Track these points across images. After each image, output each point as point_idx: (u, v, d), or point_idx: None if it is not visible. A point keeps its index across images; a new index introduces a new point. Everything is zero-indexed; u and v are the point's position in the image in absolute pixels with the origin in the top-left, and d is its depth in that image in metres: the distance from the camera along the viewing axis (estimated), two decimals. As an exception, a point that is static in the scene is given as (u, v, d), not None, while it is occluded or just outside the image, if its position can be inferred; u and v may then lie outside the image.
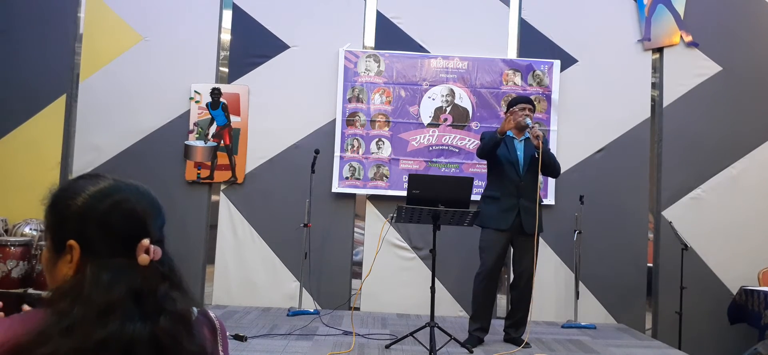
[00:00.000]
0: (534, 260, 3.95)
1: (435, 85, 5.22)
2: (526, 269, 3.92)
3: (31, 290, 4.23)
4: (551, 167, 3.95)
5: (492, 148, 3.84)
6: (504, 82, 5.24)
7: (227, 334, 1.12)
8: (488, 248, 3.87)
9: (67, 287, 0.92)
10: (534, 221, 3.86)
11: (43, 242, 4.60)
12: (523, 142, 3.99)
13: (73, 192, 0.98)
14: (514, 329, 4.01)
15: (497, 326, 4.23)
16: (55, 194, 1.00)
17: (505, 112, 4.11)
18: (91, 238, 0.94)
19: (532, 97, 5.18)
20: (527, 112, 3.93)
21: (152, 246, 0.94)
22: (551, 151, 4.09)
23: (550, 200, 5.12)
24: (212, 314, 1.08)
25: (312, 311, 4.71)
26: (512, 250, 4.04)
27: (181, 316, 0.93)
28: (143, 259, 0.92)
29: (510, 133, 3.97)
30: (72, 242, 0.95)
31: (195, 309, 1.01)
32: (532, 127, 3.84)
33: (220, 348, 1.05)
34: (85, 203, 0.96)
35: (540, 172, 3.90)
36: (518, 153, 3.94)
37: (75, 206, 0.96)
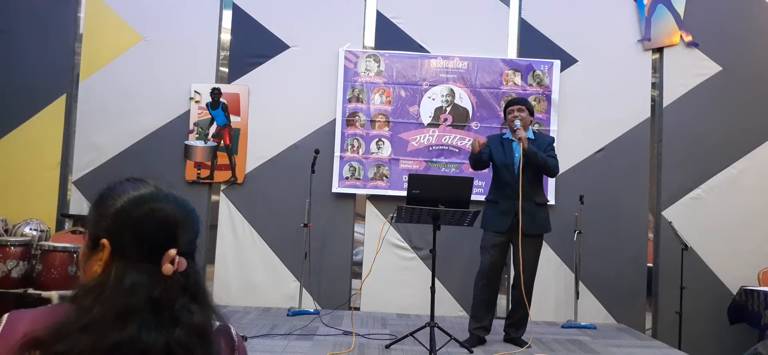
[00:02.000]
0: (536, 261, 3.96)
1: (435, 85, 5.22)
2: (527, 269, 3.89)
3: (31, 290, 4.23)
4: (543, 169, 3.91)
5: (474, 163, 3.95)
6: (504, 82, 5.24)
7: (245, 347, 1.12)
8: (486, 249, 3.90)
9: (92, 284, 0.94)
10: (534, 222, 3.86)
11: (43, 243, 4.61)
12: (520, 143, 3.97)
13: (115, 193, 1.01)
14: (514, 329, 4.01)
15: (497, 326, 4.23)
16: (101, 192, 1.03)
17: (504, 116, 4.12)
18: (123, 240, 0.97)
19: (532, 97, 5.19)
20: (516, 113, 3.92)
21: (177, 257, 0.95)
22: (549, 151, 3.99)
23: (550, 199, 5.11)
24: (234, 332, 1.09)
25: (312, 311, 4.71)
26: (512, 250, 4.02)
27: (198, 329, 0.94)
28: (167, 269, 0.94)
29: (508, 135, 3.98)
30: (104, 240, 0.97)
31: (217, 323, 1.03)
32: (517, 129, 3.84)
33: None
34: (123, 206, 0.99)
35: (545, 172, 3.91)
36: (515, 155, 3.90)
37: (114, 207, 0.99)
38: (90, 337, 0.87)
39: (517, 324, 4.01)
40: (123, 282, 0.92)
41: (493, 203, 3.95)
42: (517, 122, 3.89)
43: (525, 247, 3.85)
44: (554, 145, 4.08)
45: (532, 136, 3.99)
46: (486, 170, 4.23)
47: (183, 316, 0.93)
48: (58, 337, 0.86)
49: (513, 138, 3.96)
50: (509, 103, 4.07)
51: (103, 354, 0.86)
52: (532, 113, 4.04)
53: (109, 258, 0.97)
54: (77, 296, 0.93)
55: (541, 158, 3.85)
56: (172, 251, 0.95)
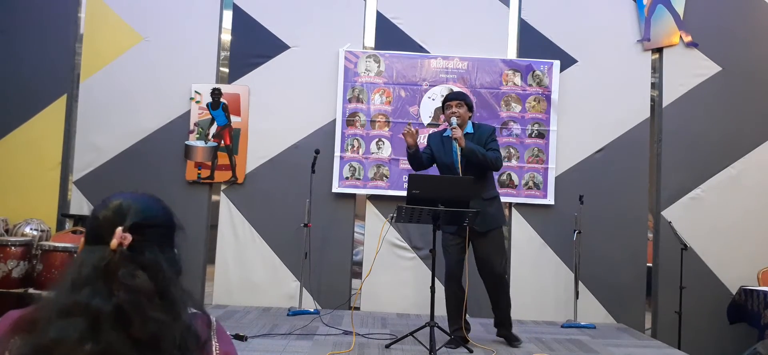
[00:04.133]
0: (498, 256, 3.82)
1: (435, 86, 5.23)
2: (489, 269, 3.82)
3: (31, 290, 4.24)
4: (484, 165, 3.77)
5: (412, 161, 3.85)
6: (504, 83, 5.24)
7: (227, 333, 1.22)
8: (445, 249, 3.85)
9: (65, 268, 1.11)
10: (485, 220, 3.75)
11: (43, 243, 4.61)
12: (446, 138, 3.87)
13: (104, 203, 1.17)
14: (502, 327, 3.95)
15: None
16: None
17: (442, 110, 4.02)
18: (90, 230, 1.12)
19: (532, 97, 5.20)
20: (454, 109, 3.82)
21: (121, 232, 1.06)
22: (490, 144, 3.83)
23: (549, 199, 5.12)
24: (212, 318, 1.20)
25: (312, 310, 4.71)
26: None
27: (142, 289, 1.02)
28: (112, 243, 1.05)
29: (449, 133, 3.83)
30: (82, 237, 1.15)
31: (191, 309, 1.12)
32: (454, 128, 3.72)
33: (215, 338, 1.17)
34: (96, 206, 1.16)
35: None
36: (454, 154, 3.75)
37: (93, 212, 1.16)
38: (52, 302, 1.01)
39: (501, 323, 3.95)
40: (78, 257, 1.08)
41: None
42: (454, 120, 3.76)
43: (481, 244, 3.80)
44: (495, 135, 3.92)
45: (470, 129, 3.88)
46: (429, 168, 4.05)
47: (125, 279, 1.02)
48: (38, 310, 1.02)
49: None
50: (447, 98, 3.92)
51: (62, 316, 0.98)
52: (471, 108, 3.93)
53: (81, 248, 1.13)
54: (56, 278, 1.07)
55: (480, 155, 3.71)
56: (119, 229, 1.06)
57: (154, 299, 1.03)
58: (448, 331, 3.83)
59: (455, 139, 3.70)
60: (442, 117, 5.15)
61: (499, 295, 3.90)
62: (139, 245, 1.07)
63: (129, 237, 1.06)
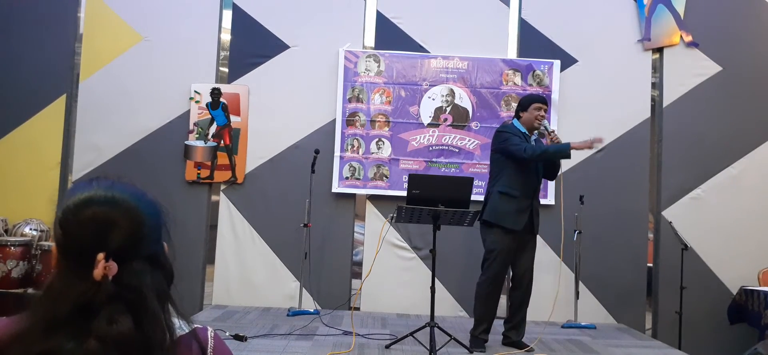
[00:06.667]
0: (534, 260, 3.91)
1: (435, 85, 5.22)
2: (529, 269, 3.85)
3: (31, 290, 4.23)
4: (556, 173, 3.96)
5: (552, 159, 3.83)
6: (504, 82, 5.24)
7: (227, 347, 1.06)
8: (499, 251, 3.71)
9: (40, 291, 0.92)
10: (539, 222, 3.87)
11: (43, 243, 4.60)
12: (534, 142, 3.86)
13: (66, 197, 0.97)
14: (514, 331, 3.89)
15: (498, 326, 4.22)
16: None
17: (519, 110, 3.93)
18: (61, 245, 0.94)
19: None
20: (543, 113, 3.86)
21: (104, 262, 0.89)
22: None
23: (550, 200, 5.11)
24: (210, 333, 1.03)
25: (312, 311, 4.70)
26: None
27: (116, 338, 0.87)
28: (95, 273, 0.88)
29: (525, 131, 3.84)
30: (53, 245, 0.96)
31: (184, 328, 0.98)
32: (552, 131, 3.81)
33: None
34: (63, 210, 0.95)
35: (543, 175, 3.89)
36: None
37: (59, 212, 0.96)
38: (19, 347, 0.86)
39: (516, 326, 3.91)
40: (53, 288, 0.90)
41: (511, 198, 3.70)
42: (548, 124, 3.87)
43: (530, 246, 3.84)
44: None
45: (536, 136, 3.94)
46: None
47: (101, 330, 0.86)
48: (13, 342, 0.86)
49: (528, 134, 3.85)
50: (538, 100, 3.88)
51: None
52: (546, 111, 4.00)
53: (56, 264, 0.95)
54: (29, 301, 0.91)
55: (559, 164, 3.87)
56: (100, 255, 0.89)
57: (130, 344, 0.87)
58: (474, 333, 3.79)
59: (577, 148, 3.68)
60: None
61: (528, 299, 3.91)
62: (125, 273, 0.90)
63: (114, 267, 0.89)
